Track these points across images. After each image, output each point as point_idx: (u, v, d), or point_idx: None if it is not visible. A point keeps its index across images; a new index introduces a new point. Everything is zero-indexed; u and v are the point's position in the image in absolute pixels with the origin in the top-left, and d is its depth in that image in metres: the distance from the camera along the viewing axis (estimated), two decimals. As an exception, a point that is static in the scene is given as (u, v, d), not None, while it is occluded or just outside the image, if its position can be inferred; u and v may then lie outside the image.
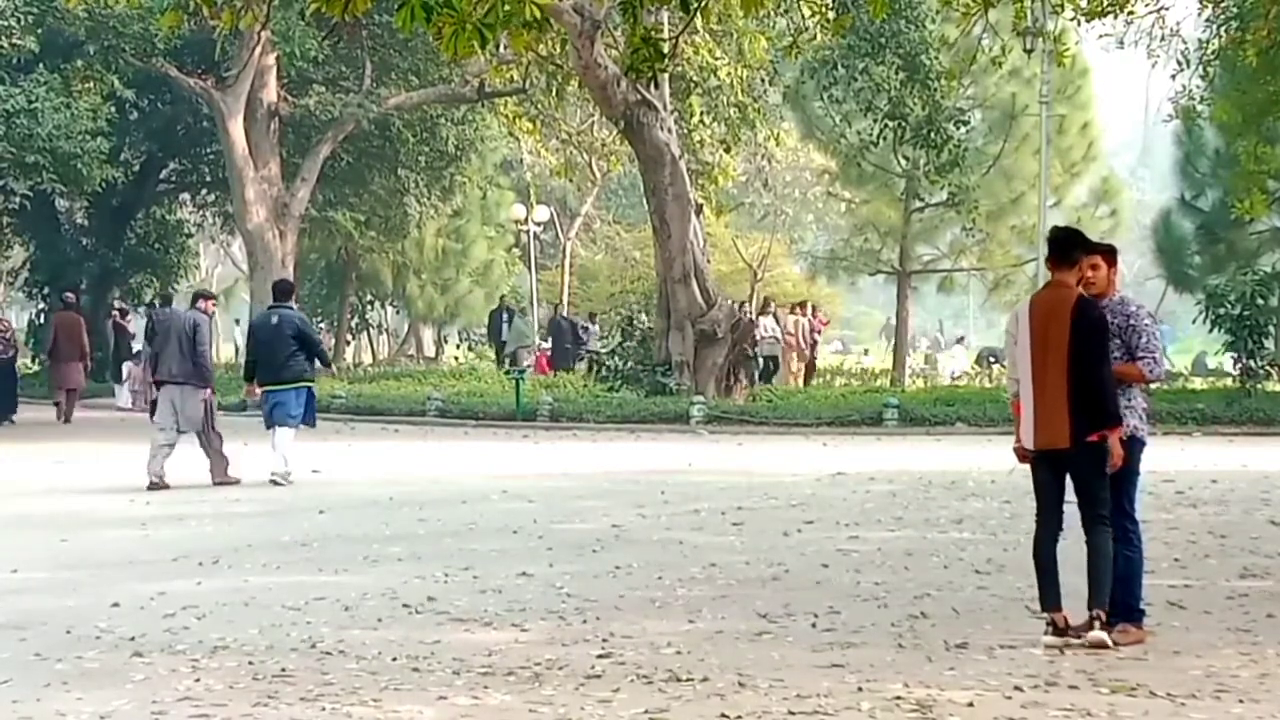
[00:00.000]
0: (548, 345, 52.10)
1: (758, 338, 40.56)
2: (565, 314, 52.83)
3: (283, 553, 15.48)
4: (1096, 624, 10.52)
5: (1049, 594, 10.68)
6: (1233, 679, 9.59)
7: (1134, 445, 10.94)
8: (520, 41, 12.47)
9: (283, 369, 22.42)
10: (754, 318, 39.21)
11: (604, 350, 42.12)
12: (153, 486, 21.38)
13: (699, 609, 12.16)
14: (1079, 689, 9.37)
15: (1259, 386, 34.10)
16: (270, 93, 44.67)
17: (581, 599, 12.61)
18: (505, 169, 61.62)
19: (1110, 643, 10.44)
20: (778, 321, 44.33)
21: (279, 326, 22.60)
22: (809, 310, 46.66)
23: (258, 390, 22.99)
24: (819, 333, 46.88)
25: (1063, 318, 10.71)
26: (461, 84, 45.77)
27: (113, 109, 39.93)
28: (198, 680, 9.81)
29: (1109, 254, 11.38)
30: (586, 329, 50.55)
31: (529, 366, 46.07)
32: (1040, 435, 10.76)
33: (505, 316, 52.00)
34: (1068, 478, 10.83)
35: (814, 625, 11.46)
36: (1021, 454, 11.04)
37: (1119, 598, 10.76)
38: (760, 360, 43.26)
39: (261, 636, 11.19)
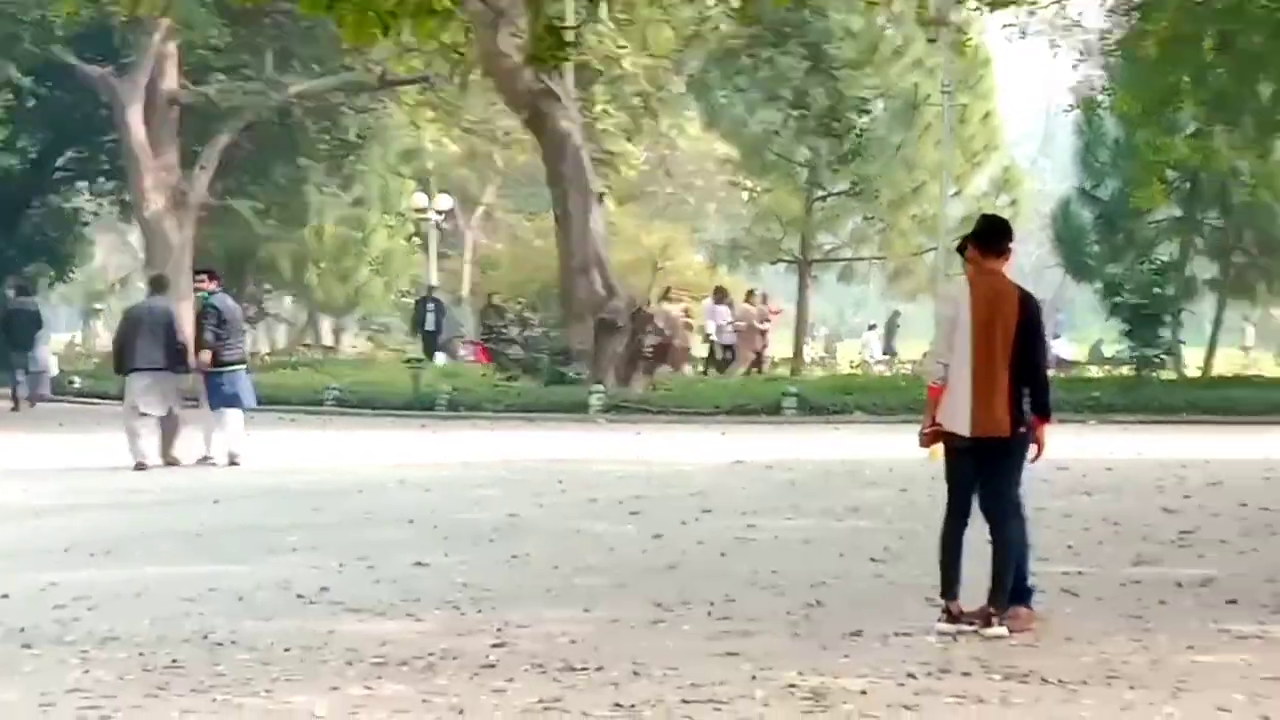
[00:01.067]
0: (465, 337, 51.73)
1: (713, 327, 40.80)
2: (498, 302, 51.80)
3: (177, 543, 15.33)
4: (995, 620, 10.57)
5: (953, 583, 10.72)
6: (1124, 665, 9.63)
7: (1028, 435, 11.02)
8: (424, 30, 12.39)
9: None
10: (648, 307, 39.11)
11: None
12: (140, 468, 22.29)
13: (595, 598, 12.12)
14: (972, 676, 9.38)
15: (1155, 375, 34.38)
16: (170, 80, 44.26)
17: (477, 589, 12.54)
18: (407, 158, 61.26)
19: (1007, 633, 10.49)
20: (733, 310, 44.16)
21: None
22: (760, 298, 46.49)
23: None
24: (769, 321, 46.60)
25: (1008, 308, 10.77)
26: (364, 72, 45.52)
27: (10, 96, 39.49)
28: (87, 672, 9.67)
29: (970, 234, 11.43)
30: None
31: (466, 357, 45.94)
32: (979, 423, 10.69)
33: (432, 306, 51.35)
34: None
35: (710, 614, 11.43)
36: (934, 438, 10.94)
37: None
38: (719, 350, 43.31)
39: (153, 627, 11.06)
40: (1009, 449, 10.81)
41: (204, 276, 24.24)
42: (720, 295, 45.09)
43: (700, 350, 47.57)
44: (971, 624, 10.54)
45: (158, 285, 25.18)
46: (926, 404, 11.07)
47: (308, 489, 19.95)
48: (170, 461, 22.93)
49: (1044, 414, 10.94)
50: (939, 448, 10.95)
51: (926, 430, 10.97)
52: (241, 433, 23.34)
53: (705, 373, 43.07)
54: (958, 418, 10.73)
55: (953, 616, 10.58)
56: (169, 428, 22.94)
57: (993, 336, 10.68)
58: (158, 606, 11.91)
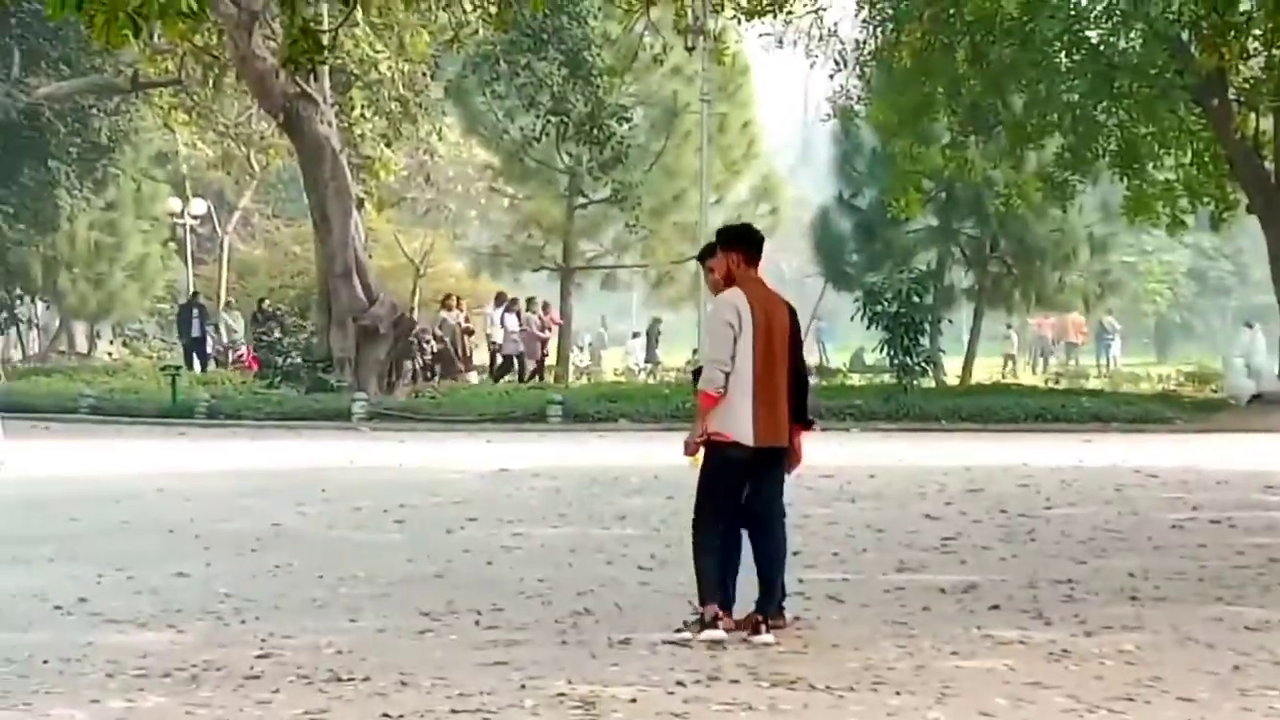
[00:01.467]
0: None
1: (499, 334, 40.64)
2: (267, 307, 50.76)
3: (-74, 555, 14.94)
4: (764, 628, 10.61)
5: (716, 583, 10.71)
6: (890, 671, 9.70)
7: None
8: (175, 31, 12.14)
9: None
10: (410, 314, 38.94)
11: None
12: None
13: (361, 608, 11.99)
14: (740, 683, 9.39)
15: (915, 383, 34.87)
16: (-86, 81, 43.30)
17: (240, 599, 12.35)
18: (160, 161, 60.37)
19: (773, 639, 10.53)
20: (520, 319, 43.91)
21: None
22: (541, 307, 46.30)
23: None
24: (550, 330, 46.44)
25: (782, 317, 10.83)
26: (115, 74, 44.82)
27: None
28: None
29: (721, 241, 11.22)
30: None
31: (239, 363, 45.37)
32: (763, 432, 10.65)
33: (196, 312, 50.31)
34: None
35: (477, 623, 11.36)
36: (710, 446, 10.68)
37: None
38: (501, 358, 43.05)
39: (-97, 642, 10.77)
40: (779, 458, 10.86)
41: None
42: (506, 302, 44.83)
43: (478, 357, 47.41)
44: (737, 630, 10.58)
45: None
46: (699, 412, 10.78)
47: (63, 498, 19.54)
48: None
49: (807, 423, 11.04)
50: (700, 455, 10.86)
51: (698, 439, 10.74)
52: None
53: (496, 380, 42.84)
54: (740, 426, 10.63)
55: (710, 620, 10.57)
56: None
57: (771, 345, 10.69)
58: (-93, 621, 11.59)
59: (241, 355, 48.50)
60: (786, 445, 10.84)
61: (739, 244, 11.01)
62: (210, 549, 15.15)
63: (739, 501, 10.85)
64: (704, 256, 11.39)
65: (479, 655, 10.21)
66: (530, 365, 44.29)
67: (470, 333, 46.13)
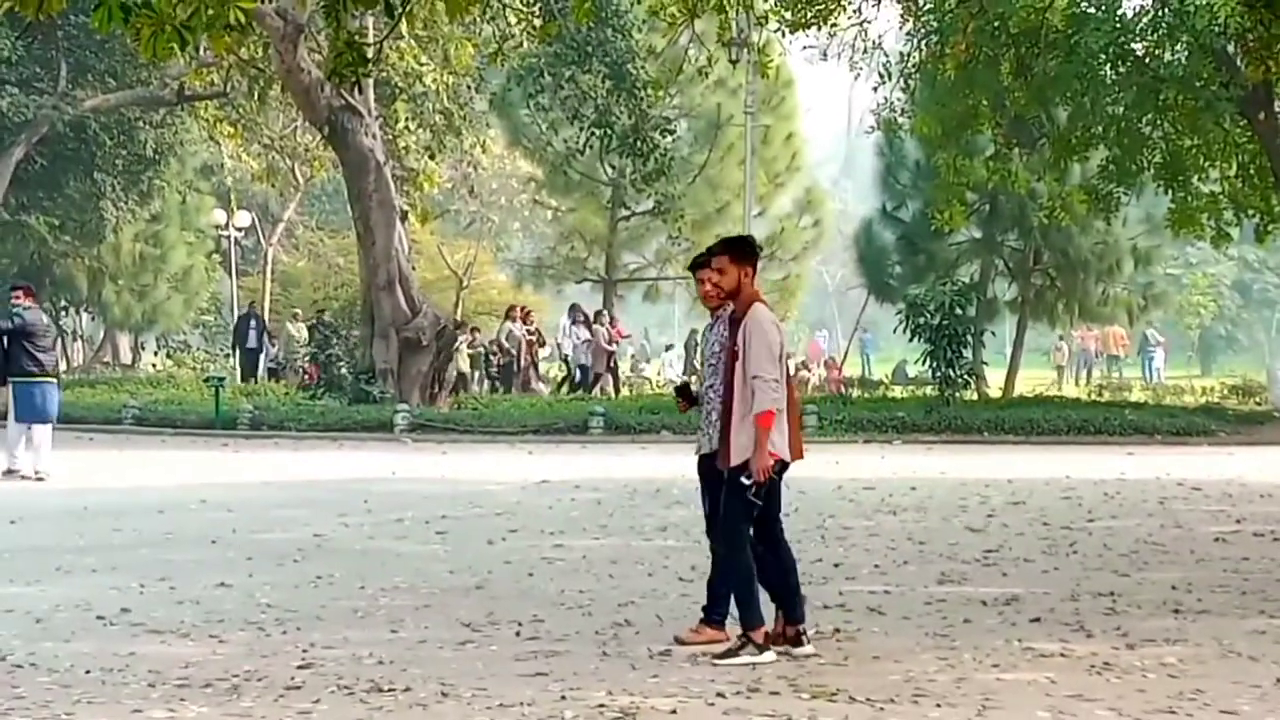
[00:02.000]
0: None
1: (569, 346, 40.61)
2: (328, 319, 50.24)
3: (-29, 564, 15.01)
4: (805, 638, 10.63)
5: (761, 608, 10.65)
6: (930, 683, 9.68)
7: None
8: (221, 44, 12.19)
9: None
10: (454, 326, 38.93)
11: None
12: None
13: (402, 619, 12.01)
14: (780, 695, 9.38)
15: (957, 395, 34.77)
16: (-39, 93, 43.56)
17: (282, 609, 12.38)
18: (205, 173, 60.67)
19: (812, 649, 10.52)
20: (590, 331, 43.68)
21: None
22: (608, 320, 46.09)
23: None
24: (617, 342, 46.10)
25: (782, 332, 10.81)
26: (160, 86, 45.02)
27: None
28: (-122, 697, 9.43)
29: (733, 252, 10.97)
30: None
31: (304, 375, 45.30)
32: (795, 448, 10.69)
33: (254, 324, 50.24)
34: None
35: (518, 634, 11.37)
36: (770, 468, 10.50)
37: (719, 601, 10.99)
38: (577, 369, 42.93)
39: (-52, 651, 10.82)
40: (782, 474, 10.83)
41: (19, 293, 24.48)
42: (578, 314, 44.52)
43: (539, 368, 47.29)
44: (776, 643, 10.58)
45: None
46: (760, 433, 10.40)
47: (107, 509, 19.59)
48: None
49: None
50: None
51: (774, 457, 10.44)
52: (49, 448, 23.72)
53: (572, 390, 42.62)
54: (780, 442, 10.57)
55: (761, 643, 10.46)
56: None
57: (783, 359, 10.71)
58: (-48, 630, 11.65)
59: (305, 367, 48.14)
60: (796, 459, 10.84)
61: (753, 256, 10.90)
62: (252, 559, 15.19)
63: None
64: (695, 266, 11.29)
65: (519, 666, 10.22)
66: (598, 377, 44.04)
67: (543, 344, 46.09)
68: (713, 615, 10.99)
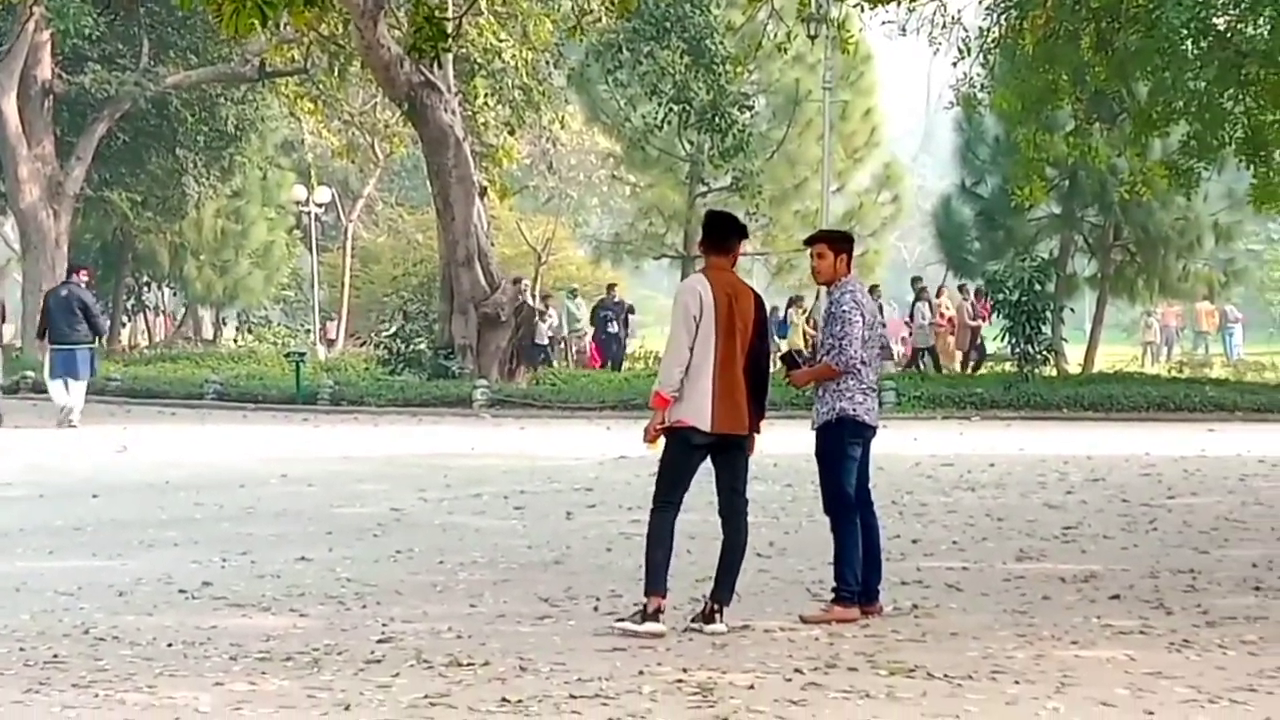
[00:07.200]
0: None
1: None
2: (615, 298, 47.53)
3: (55, 537, 15.15)
4: (718, 616, 10.66)
5: (664, 576, 10.66)
6: (1008, 660, 9.67)
7: (844, 427, 11.11)
8: (301, 20, 12.29)
9: (72, 332, 28.32)
10: (536, 302, 39.00)
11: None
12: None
13: (480, 593, 12.07)
14: (858, 671, 9.39)
15: (1036, 371, 34.63)
16: (44, 70, 43.92)
17: (361, 584, 12.46)
18: (286, 149, 60.88)
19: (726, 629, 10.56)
20: (931, 308, 43.10)
21: (67, 298, 28.50)
22: (973, 294, 44.34)
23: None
24: (983, 319, 43.77)
25: (747, 307, 10.79)
26: (241, 63, 45.21)
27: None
28: (-34, 668, 9.54)
29: (836, 242, 11.44)
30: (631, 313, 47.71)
31: (581, 354, 45.35)
32: (721, 420, 10.68)
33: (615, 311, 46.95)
34: None
35: (596, 609, 11.42)
36: (670, 432, 10.77)
37: (865, 578, 11.10)
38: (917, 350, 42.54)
39: (33, 622, 10.94)
40: (743, 446, 10.91)
41: (81, 270, 30.05)
42: (921, 292, 43.42)
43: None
44: (696, 624, 10.67)
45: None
46: (655, 412, 10.85)
47: (188, 483, 19.76)
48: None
49: (763, 414, 11.05)
50: (660, 442, 10.90)
51: (657, 426, 10.79)
52: (81, 400, 28.72)
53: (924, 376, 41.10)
54: (700, 413, 10.64)
55: (653, 612, 10.49)
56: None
57: (732, 335, 10.65)
58: (37, 601, 11.78)
59: (584, 348, 46.90)
60: (744, 434, 10.85)
61: (704, 233, 11.10)
62: (332, 534, 15.29)
63: (687, 488, 10.98)
64: (810, 241, 11.62)
65: (597, 640, 10.26)
66: (958, 354, 43.41)
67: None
68: (842, 592, 11.08)
